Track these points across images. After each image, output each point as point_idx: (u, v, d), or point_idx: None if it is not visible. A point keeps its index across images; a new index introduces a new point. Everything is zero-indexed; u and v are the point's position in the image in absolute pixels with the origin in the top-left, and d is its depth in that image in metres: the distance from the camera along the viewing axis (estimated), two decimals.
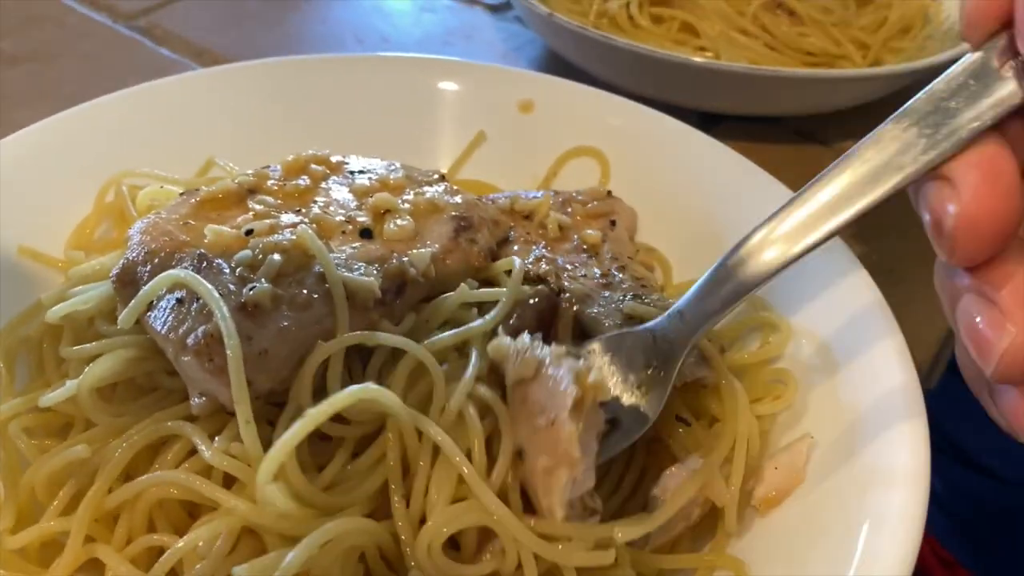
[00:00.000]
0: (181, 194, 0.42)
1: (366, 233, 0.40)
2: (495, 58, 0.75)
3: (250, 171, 0.43)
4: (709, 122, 0.66)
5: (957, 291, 0.30)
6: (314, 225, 0.39)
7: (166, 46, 0.74)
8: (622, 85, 0.65)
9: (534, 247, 0.47)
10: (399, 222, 0.41)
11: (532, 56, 0.75)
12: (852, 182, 0.32)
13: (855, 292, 0.42)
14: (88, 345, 0.39)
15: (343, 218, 0.41)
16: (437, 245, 0.41)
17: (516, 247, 0.46)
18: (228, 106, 0.53)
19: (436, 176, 0.47)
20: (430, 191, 0.44)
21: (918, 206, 0.31)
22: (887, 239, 0.57)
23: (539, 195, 0.50)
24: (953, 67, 0.31)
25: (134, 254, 0.38)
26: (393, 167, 0.47)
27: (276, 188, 0.42)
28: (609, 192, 0.52)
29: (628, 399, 0.39)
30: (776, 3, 0.68)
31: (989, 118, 0.29)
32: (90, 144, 0.50)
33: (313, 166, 0.44)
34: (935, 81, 0.31)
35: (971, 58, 0.30)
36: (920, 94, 0.31)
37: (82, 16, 0.78)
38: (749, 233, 0.36)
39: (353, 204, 0.42)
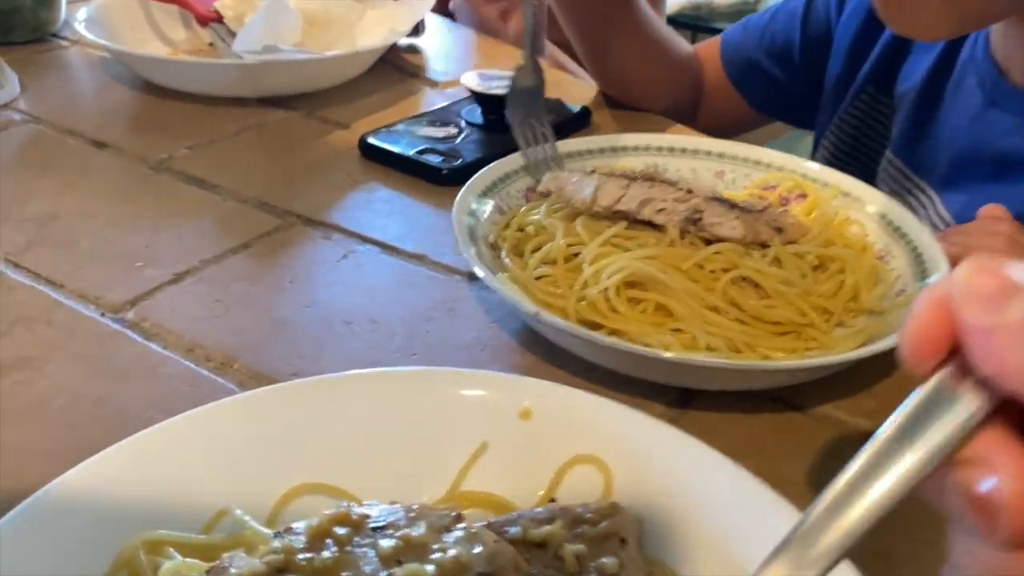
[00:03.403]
0: (207, 572, 0.43)
1: None
2: (478, 331, 0.78)
3: (277, 542, 0.43)
4: (685, 394, 0.70)
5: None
6: None
7: (155, 340, 0.76)
8: (602, 364, 0.70)
9: None
10: None
11: (514, 328, 0.78)
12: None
13: None
14: None
15: None
16: None
17: None
18: (233, 443, 0.54)
19: (452, 516, 0.49)
20: (450, 543, 0.45)
21: (941, 499, 0.31)
22: None
23: (544, 512, 0.52)
24: (909, 400, 0.31)
25: None
26: (412, 512, 0.48)
27: (305, 564, 0.42)
28: (614, 503, 0.54)
29: None
30: (742, 278, 0.73)
31: (964, 430, 0.30)
32: (100, 499, 0.50)
33: (336, 529, 0.45)
34: (897, 413, 0.31)
35: (926, 388, 0.31)
36: (887, 424, 0.31)
37: (70, 311, 0.79)
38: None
39: (382, 574, 0.43)
